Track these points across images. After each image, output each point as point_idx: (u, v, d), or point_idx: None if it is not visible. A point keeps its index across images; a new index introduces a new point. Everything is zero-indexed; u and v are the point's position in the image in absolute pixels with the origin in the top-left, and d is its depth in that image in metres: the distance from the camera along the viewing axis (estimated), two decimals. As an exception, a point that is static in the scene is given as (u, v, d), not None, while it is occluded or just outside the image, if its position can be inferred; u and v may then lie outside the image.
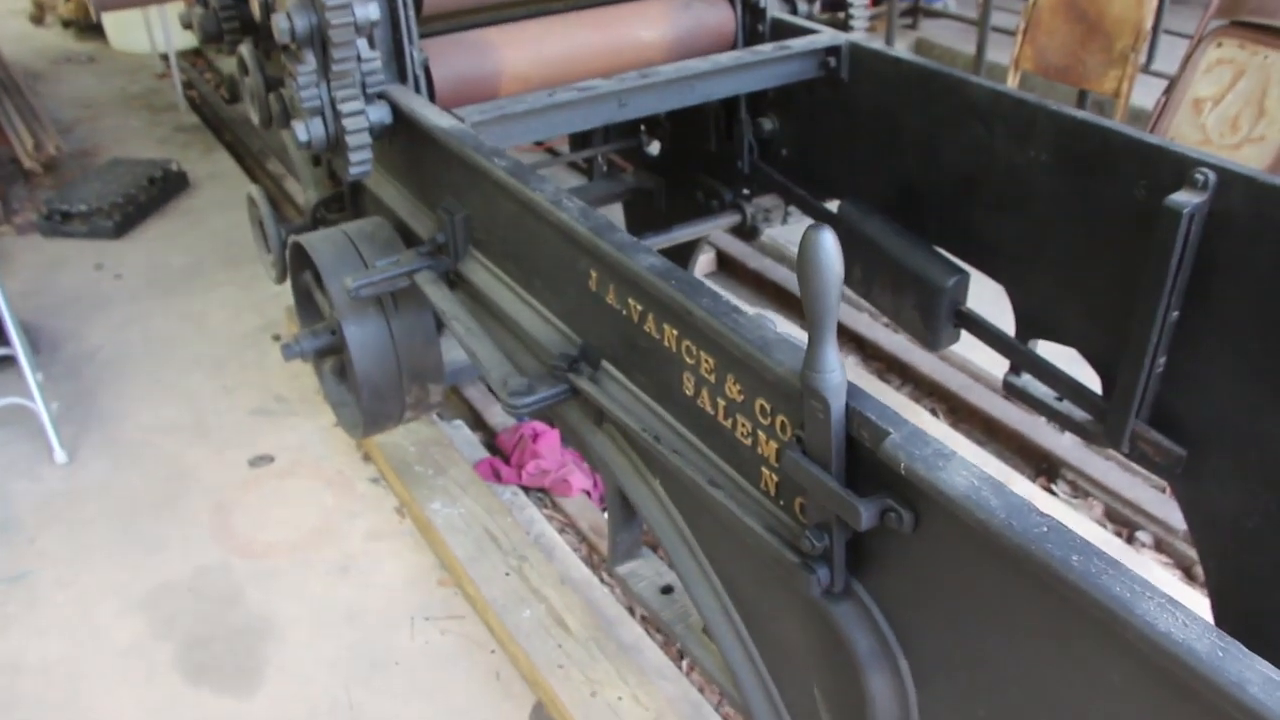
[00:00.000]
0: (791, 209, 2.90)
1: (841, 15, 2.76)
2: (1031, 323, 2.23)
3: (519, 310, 1.92)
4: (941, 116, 2.30)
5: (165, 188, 4.90)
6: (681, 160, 3.14)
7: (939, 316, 2.32)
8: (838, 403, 1.16)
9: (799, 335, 3.58)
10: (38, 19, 8.36)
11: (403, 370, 2.34)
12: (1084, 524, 2.78)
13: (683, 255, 3.40)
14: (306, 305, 2.66)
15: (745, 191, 2.93)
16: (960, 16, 6.55)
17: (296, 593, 2.68)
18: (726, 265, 4.07)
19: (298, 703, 2.39)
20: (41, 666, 2.53)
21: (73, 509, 3.03)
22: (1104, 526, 2.83)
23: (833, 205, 2.68)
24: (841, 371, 1.16)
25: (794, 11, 2.78)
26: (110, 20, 7.24)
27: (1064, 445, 3.01)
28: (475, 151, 1.86)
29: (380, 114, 2.13)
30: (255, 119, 2.44)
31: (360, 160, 2.10)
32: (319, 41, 1.99)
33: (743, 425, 1.38)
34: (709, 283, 3.89)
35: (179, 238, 4.59)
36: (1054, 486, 2.98)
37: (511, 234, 1.89)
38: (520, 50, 2.38)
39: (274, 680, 2.45)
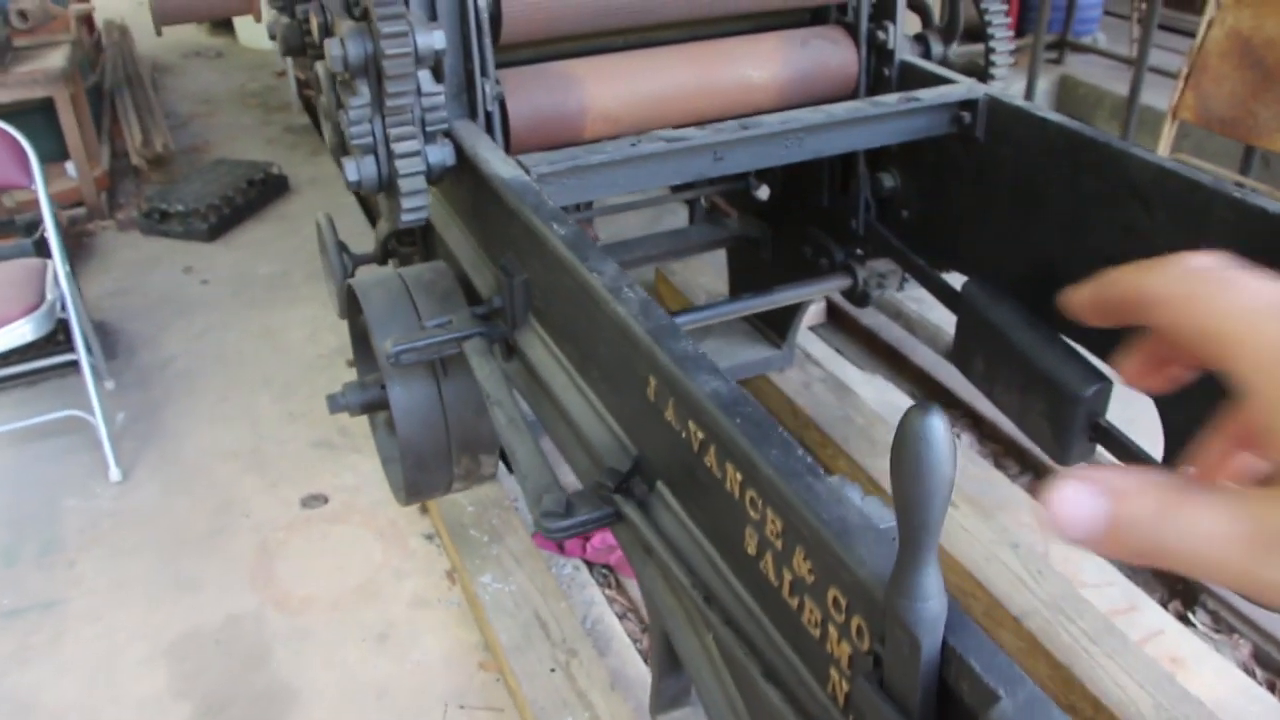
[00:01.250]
0: (908, 277, 2.57)
1: (981, 61, 2.42)
2: (1184, 446, 1.86)
3: (573, 400, 1.64)
4: (1093, 191, 1.95)
5: (264, 191, 4.79)
6: (791, 211, 2.83)
7: (1072, 428, 1.97)
8: (931, 640, 0.85)
9: (898, 402, 3.23)
10: (173, 9, 8.43)
11: (452, 440, 2.09)
12: (1225, 666, 2.38)
13: (789, 311, 3.09)
14: (362, 349, 2.43)
15: (859, 252, 2.61)
16: (1112, 53, 6.06)
17: (328, 659, 2.45)
18: (836, 317, 3.73)
19: (310, 793, 2.17)
20: (55, 710, 2.37)
21: (118, 534, 2.87)
22: (1250, 673, 2.43)
23: (955, 279, 2.34)
24: (941, 601, 0.85)
25: (927, 53, 2.45)
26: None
27: (1207, 569, 2.61)
28: (533, 212, 1.60)
29: (441, 155, 1.88)
30: (327, 143, 2.23)
31: (413, 207, 1.86)
32: (374, 72, 1.75)
33: (811, 612, 1.08)
34: (815, 335, 3.60)
35: (270, 245, 4.46)
36: (1191, 616, 2.58)
37: (570, 311, 1.61)
38: (610, 86, 2.11)
39: (289, 762, 2.23)
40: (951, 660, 0.87)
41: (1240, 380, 0.42)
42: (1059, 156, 2.02)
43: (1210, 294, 0.45)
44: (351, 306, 2.28)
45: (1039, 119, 2.05)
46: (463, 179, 2.04)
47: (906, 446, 0.78)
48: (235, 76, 6.72)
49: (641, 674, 2.34)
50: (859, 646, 1.02)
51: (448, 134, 1.92)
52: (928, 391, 3.33)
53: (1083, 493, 0.43)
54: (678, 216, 4.34)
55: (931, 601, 0.85)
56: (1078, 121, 2.03)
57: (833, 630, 1.06)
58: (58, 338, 3.31)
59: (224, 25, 7.63)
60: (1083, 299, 0.53)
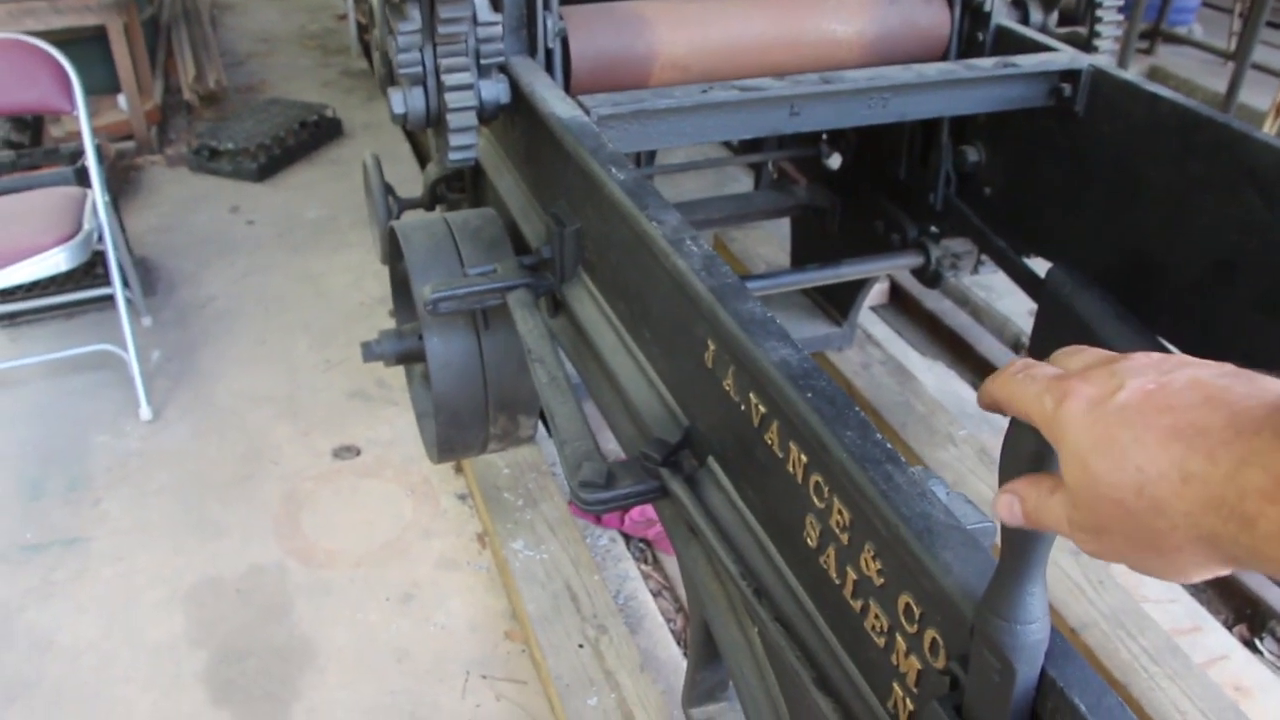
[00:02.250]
0: (985, 259, 2.41)
1: (1083, 31, 2.25)
2: None
3: (622, 363, 1.51)
4: (1203, 176, 1.78)
5: (316, 134, 4.69)
6: (864, 182, 2.67)
7: (1159, 431, 1.80)
8: (1028, 670, 0.72)
9: (960, 391, 3.03)
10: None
11: (489, 397, 1.97)
12: (1296, 698, 2.22)
13: (852, 287, 2.94)
14: (403, 297, 2.32)
15: (933, 230, 2.45)
16: (1208, 45, 5.80)
17: (349, 617, 2.36)
18: (900, 299, 3.57)
19: (320, 755, 2.07)
20: (72, 650, 2.29)
21: (145, 474, 2.79)
22: (1324, 705, 2.26)
23: (1038, 265, 2.18)
24: (1045, 625, 0.71)
25: (1025, 20, 2.28)
26: (305, -46, 7.13)
27: (1277, 594, 2.44)
28: (591, 155, 1.46)
29: (495, 91, 1.75)
30: (376, 75, 2.10)
31: (462, 145, 1.73)
32: (427, -5, 1.62)
33: (876, 617, 0.95)
34: (877, 316, 3.44)
35: (319, 188, 4.36)
36: (1259, 642, 2.41)
37: (624, 265, 1.48)
38: (681, 32, 1.96)
39: (300, 719, 2.13)
40: (1049, 695, 0.74)
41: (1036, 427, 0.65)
42: (1168, 137, 1.85)
43: (1016, 393, 0.66)
44: (393, 251, 2.16)
45: (1149, 94, 1.88)
46: (517, 120, 1.91)
47: (1024, 445, 0.66)
48: (295, 17, 6.62)
49: (673, 657, 2.22)
50: (932, 663, 0.88)
51: (503, 69, 1.79)
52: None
53: (1006, 497, 0.67)
54: (741, 184, 4.18)
55: (1034, 625, 0.72)
56: (1192, 100, 1.86)
57: (901, 641, 0.92)
58: (96, 270, 3.24)
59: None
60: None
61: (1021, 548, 0.69)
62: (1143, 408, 0.59)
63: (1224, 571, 0.59)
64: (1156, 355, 0.63)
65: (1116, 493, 0.58)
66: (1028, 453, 0.66)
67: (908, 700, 0.93)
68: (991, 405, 0.70)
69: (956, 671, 0.84)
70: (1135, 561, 0.61)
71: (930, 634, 0.87)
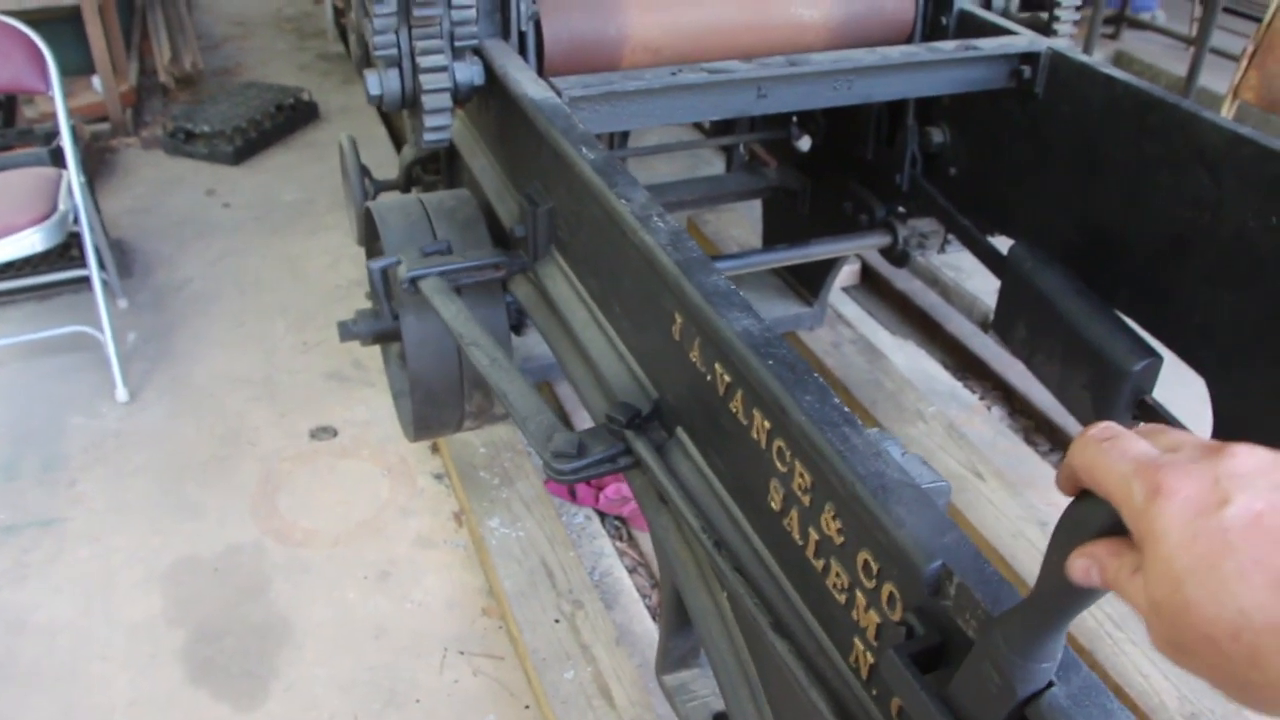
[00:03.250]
0: (951, 238, 2.45)
1: (1044, 16, 2.29)
2: (1235, 429, 1.76)
3: (593, 337, 1.55)
4: (1157, 156, 1.83)
5: (293, 117, 4.69)
6: (833, 163, 2.71)
7: (1116, 404, 1.86)
8: (1022, 691, 0.74)
9: (930, 370, 3.07)
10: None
11: (465, 375, 2.00)
12: None
13: (823, 267, 2.98)
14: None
15: (901, 210, 2.49)
16: (1171, 31, 5.87)
17: (326, 595, 2.39)
18: (871, 280, 3.62)
19: (298, 729, 2.10)
20: (48, 630, 2.31)
21: (121, 454, 2.81)
22: (1279, 671, 2.33)
23: (1001, 243, 2.23)
24: (1056, 662, 0.73)
25: (987, 5, 2.32)
26: (278, -62, 7.10)
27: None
28: (562, 135, 1.49)
29: (469, 73, 1.77)
30: (352, 57, 2.12)
31: (436, 126, 1.76)
32: (402, -22, 1.65)
33: (837, 575, 0.99)
34: (848, 297, 3.49)
35: (295, 171, 4.37)
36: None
37: (595, 243, 1.52)
38: (653, 15, 1.99)
39: (278, 696, 2.16)
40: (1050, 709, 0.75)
41: (1123, 513, 0.60)
42: (1123, 118, 1.90)
43: (1099, 467, 0.62)
44: (370, 232, 2.19)
45: (1105, 76, 1.93)
46: (491, 102, 1.94)
47: (1095, 518, 0.64)
48: (272, 1, 6.60)
49: (648, 630, 2.27)
50: (889, 616, 0.92)
51: (477, 51, 1.81)
52: (960, 361, 3.22)
53: (1086, 562, 0.63)
54: (713, 167, 4.22)
55: (1047, 665, 0.73)
56: (1146, 82, 1.90)
57: (860, 597, 0.96)
58: (71, 252, 3.24)
59: (263, -50, 7.49)
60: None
61: (1058, 603, 0.69)
62: (1252, 535, 0.52)
63: None
64: (1266, 456, 0.57)
65: (1210, 628, 0.53)
66: (1098, 526, 0.63)
67: (868, 654, 0.97)
68: (1070, 476, 0.65)
69: (912, 622, 0.88)
70: (1219, 688, 0.56)
71: (888, 588, 0.91)
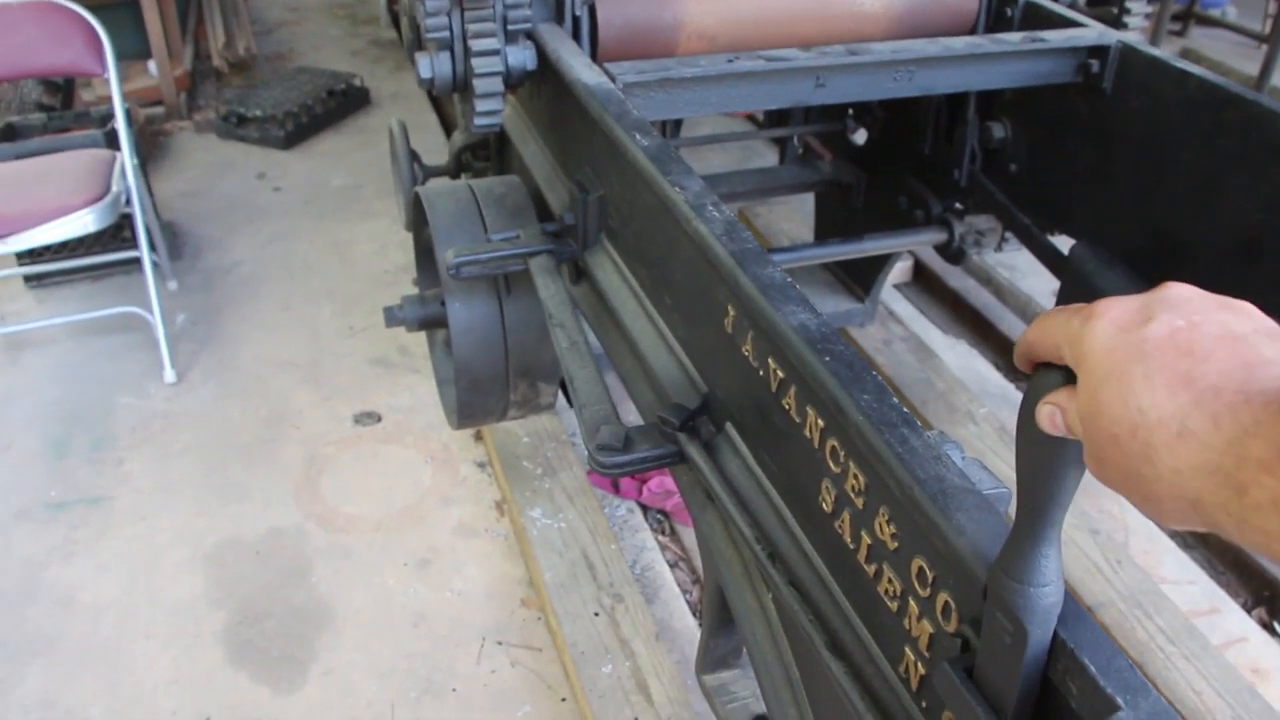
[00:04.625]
0: (1009, 236, 2.39)
1: (1113, 10, 2.22)
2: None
3: (642, 329, 1.52)
4: (1233, 154, 1.77)
5: (344, 102, 4.70)
6: (889, 157, 2.66)
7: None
8: (1040, 632, 0.72)
9: (982, 370, 3.01)
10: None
11: (510, 363, 1.98)
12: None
13: (875, 263, 2.93)
14: (426, 264, 2.33)
15: (958, 206, 2.44)
16: (1242, 28, 5.72)
17: (367, 580, 2.38)
18: (923, 277, 3.55)
19: (334, 713, 2.09)
20: (94, 607, 2.32)
21: (168, 434, 2.82)
22: (1341, 693, 2.25)
23: (1062, 242, 2.17)
24: (1058, 589, 0.72)
25: (1055, -4, 2.26)
26: (335, -76, 7.13)
27: (1299, 575, 2.43)
28: (615, 121, 1.46)
29: (521, 57, 1.75)
30: (403, 41, 2.11)
31: (488, 110, 1.73)
32: (455, -40, 1.62)
33: (890, 581, 0.95)
34: (899, 294, 3.43)
35: (346, 156, 4.38)
36: (1278, 626, 2.40)
37: (646, 232, 1.48)
38: (708, 3, 1.95)
39: (316, 680, 2.16)
40: (1061, 657, 0.74)
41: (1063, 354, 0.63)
42: (1197, 114, 1.83)
43: (1059, 320, 0.64)
44: (418, 217, 2.17)
45: (1178, 71, 1.86)
46: (543, 88, 1.91)
47: (1048, 380, 0.65)
48: (326, -14, 6.64)
49: (688, 627, 2.24)
50: (944, 627, 0.89)
51: (530, 36, 1.79)
52: (1012, 362, 3.15)
53: (1050, 410, 0.64)
54: (766, 159, 4.17)
55: (1048, 588, 0.72)
56: (1222, 78, 1.84)
57: (914, 605, 0.93)
58: (124, 234, 3.27)
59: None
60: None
61: (1037, 509, 0.69)
62: (1163, 345, 0.56)
63: (1200, 529, 0.57)
64: (1200, 293, 0.60)
65: (1114, 427, 0.56)
66: (1054, 383, 0.64)
67: (919, 664, 0.93)
68: (1025, 352, 0.68)
69: (968, 634, 0.84)
70: (1126, 496, 0.59)
71: (943, 597, 0.87)
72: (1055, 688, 0.74)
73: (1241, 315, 0.58)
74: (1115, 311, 0.60)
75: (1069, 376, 0.63)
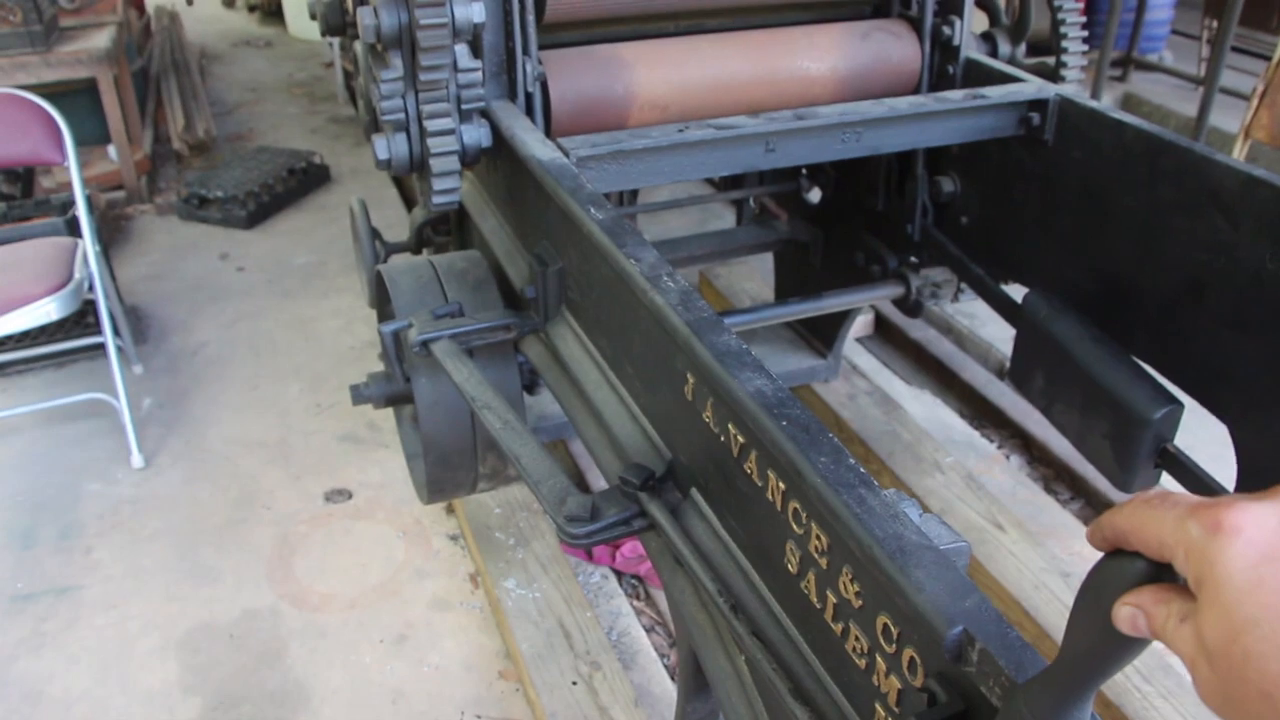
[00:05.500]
0: (965, 287, 2.44)
1: (1050, 62, 2.30)
2: (1261, 477, 1.73)
3: (605, 398, 1.54)
4: (1171, 201, 1.82)
5: (305, 180, 4.74)
6: (844, 214, 2.71)
7: (1137, 453, 1.84)
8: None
9: (946, 419, 3.03)
10: (229, 2, 8.49)
11: (478, 436, 1.99)
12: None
13: (836, 319, 2.97)
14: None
15: (913, 260, 2.49)
16: (1179, 72, 5.89)
17: (343, 660, 2.36)
18: (884, 330, 3.60)
19: (316, 799, 2.07)
20: (64, 700, 2.29)
21: (137, 520, 2.80)
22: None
23: (1015, 291, 2.22)
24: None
25: (994, 52, 2.33)
26: (290, 6, 7.24)
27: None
28: (570, 196, 1.50)
29: (476, 135, 1.79)
30: (361, 122, 2.14)
31: (445, 189, 1.77)
32: (408, 43, 1.66)
33: (856, 639, 0.97)
34: (862, 347, 3.47)
35: (308, 234, 4.40)
36: (1254, 657, 2.42)
37: (605, 303, 1.51)
38: (658, 72, 2.00)
39: (296, 766, 2.13)
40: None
41: (1178, 564, 0.57)
42: (1135, 162, 1.89)
43: (1153, 514, 0.59)
44: (381, 294, 2.19)
45: (1114, 121, 1.93)
46: (499, 163, 1.95)
47: (1130, 570, 0.62)
48: (282, 66, 6.70)
49: (667, 691, 2.23)
50: (910, 682, 0.90)
51: (484, 114, 1.83)
52: (976, 410, 3.19)
53: (1130, 609, 0.60)
54: (724, 220, 4.23)
55: None
56: (1156, 126, 1.90)
57: (881, 662, 0.94)
58: (87, 319, 3.26)
59: (276, 14, 7.63)
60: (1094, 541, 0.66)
61: (1080, 673, 0.67)
62: None
63: None
64: None
65: (1271, 685, 0.49)
66: (1138, 576, 0.60)
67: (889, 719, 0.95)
68: (1112, 535, 0.62)
69: (934, 688, 0.86)
70: None
71: (908, 653, 0.89)
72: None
73: None
74: (1251, 530, 0.52)
75: (1155, 572, 0.59)
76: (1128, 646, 0.63)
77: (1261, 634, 0.49)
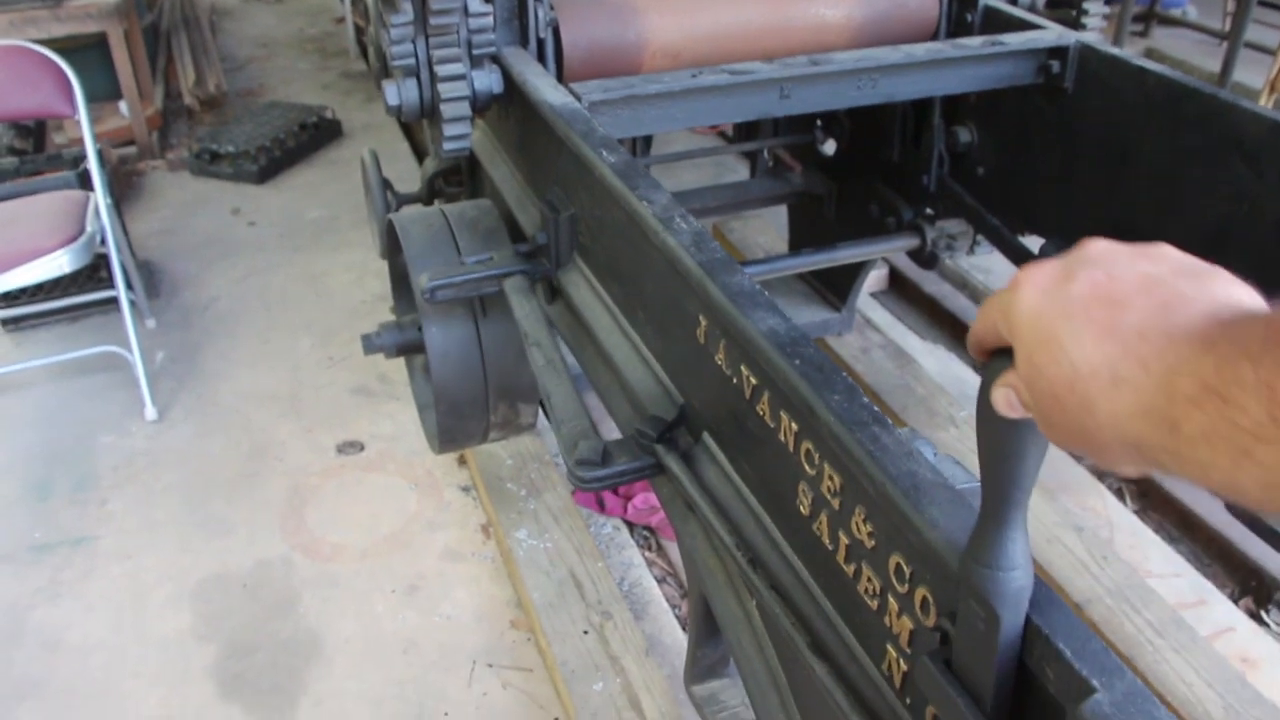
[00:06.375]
0: (980, 239, 2.42)
1: (1071, 11, 2.25)
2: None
3: (617, 344, 1.53)
4: (1193, 148, 1.79)
5: (316, 135, 4.71)
6: (859, 166, 2.68)
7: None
8: (1012, 617, 0.73)
9: (961, 374, 3.03)
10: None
11: (490, 386, 1.98)
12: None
13: (850, 271, 2.95)
14: (403, 291, 2.33)
15: (929, 211, 2.46)
16: (1203, 26, 5.80)
17: (355, 609, 2.37)
18: (899, 285, 3.57)
19: (329, 745, 2.09)
20: (81, 648, 2.31)
21: (151, 473, 2.81)
22: (1329, 678, 2.27)
23: (1033, 242, 2.19)
24: (1027, 572, 0.73)
25: (1013, 1, 2.29)
26: (301, -41, 7.17)
27: (1284, 564, 2.44)
28: (582, 140, 1.48)
29: (488, 81, 1.76)
30: (371, 70, 2.12)
31: (456, 135, 1.75)
32: (418, -13, 1.64)
33: (869, 580, 0.96)
34: (876, 302, 3.45)
35: (319, 189, 4.38)
36: (1266, 615, 2.42)
37: (617, 248, 1.50)
38: (672, 19, 1.97)
39: (308, 712, 2.15)
40: (1035, 642, 0.75)
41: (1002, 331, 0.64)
42: (1157, 110, 1.86)
43: (996, 301, 0.64)
44: (392, 244, 2.18)
45: (1136, 68, 1.89)
46: (511, 110, 1.93)
47: (999, 364, 0.66)
48: (294, 21, 6.65)
49: (678, 641, 2.24)
50: (923, 621, 0.89)
51: (495, 59, 1.80)
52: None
53: (1005, 393, 0.65)
54: (738, 174, 4.19)
55: (1016, 572, 0.73)
56: (1180, 73, 1.87)
57: (893, 602, 0.93)
58: (100, 274, 3.26)
59: (286, -30, 7.56)
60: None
61: (1001, 494, 0.70)
62: (1087, 300, 0.58)
63: (1149, 472, 0.59)
64: (1116, 245, 0.62)
65: (1053, 387, 0.58)
66: (1001, 364, 0.65)
67: (901, 661, 0.94)
68: (975, 343, 0.69)
69: (946, 627, 0.85)
70: (1077, 450, 0.61)
71: (921, 592, 0.88)
72: (1031, 673, 0.75)
73: (1157, 259, 0.59)
74: (1038, 276, 0.61)
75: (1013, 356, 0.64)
76: (1024, 440, 0.68)
77: (1043, 349, 0.58)
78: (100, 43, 4.25)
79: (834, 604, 1.05)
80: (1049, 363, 0.58)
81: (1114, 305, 0.57)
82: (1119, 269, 0.59)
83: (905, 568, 0.89)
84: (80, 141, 3.10)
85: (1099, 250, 0.61)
